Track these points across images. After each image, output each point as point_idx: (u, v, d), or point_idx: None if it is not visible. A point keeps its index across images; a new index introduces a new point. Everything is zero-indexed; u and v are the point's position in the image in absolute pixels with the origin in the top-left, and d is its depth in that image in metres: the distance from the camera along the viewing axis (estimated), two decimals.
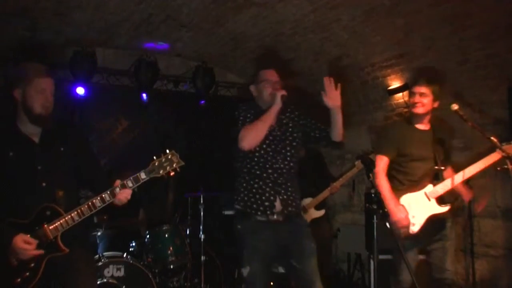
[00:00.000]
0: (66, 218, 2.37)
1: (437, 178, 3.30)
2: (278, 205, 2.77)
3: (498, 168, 3.40)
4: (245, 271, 2.72)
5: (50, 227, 2.35)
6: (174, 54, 5.98)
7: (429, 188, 3.26)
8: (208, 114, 6.19)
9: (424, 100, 3.27)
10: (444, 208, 3.26)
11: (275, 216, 2.76)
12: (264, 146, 2.83)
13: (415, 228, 3.21)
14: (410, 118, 3.43)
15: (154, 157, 2.43)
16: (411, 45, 4.47)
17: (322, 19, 4.41)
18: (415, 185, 3.29)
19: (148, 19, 4.75)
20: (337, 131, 2.89)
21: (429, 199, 3.26)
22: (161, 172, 2.42)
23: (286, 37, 4.93)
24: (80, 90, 5.30)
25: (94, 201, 2.39)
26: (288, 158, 2.87)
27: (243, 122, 2.83)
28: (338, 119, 2.87)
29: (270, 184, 2.79)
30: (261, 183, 2.80)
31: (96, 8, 4.46)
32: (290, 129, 2.94)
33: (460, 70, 4.38)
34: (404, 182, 3.30)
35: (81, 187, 2.73)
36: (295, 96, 2.87)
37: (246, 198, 2.81)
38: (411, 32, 4.28)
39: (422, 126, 3.36)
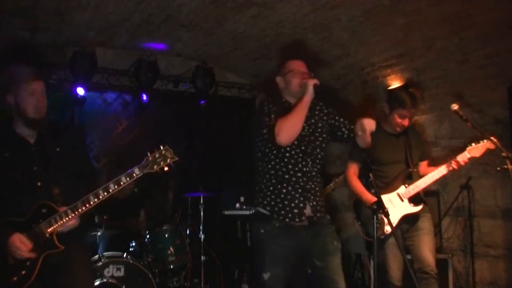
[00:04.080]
0: (62, 214, 2.38)
1: (410, 178, 3.39)
2: (308, 211, 2.63)
3: (498, 168, 3.42)
4: (266, 275, 2.60)
5: (46, 224, 2.37)
6: (174, 54, 5.98)
7: (402, 189, 3.36)
8: (208, 114, 6.18)
9: (405, 121, 3.36)
10: (417, 208, 3.35)
11: (302, 222, 2.63)
12: (294, 146, 2.64)
13: (389, 227, 3.25)
14: (381, 123, 3.51)
15: (148, 153, 2.42)
16: (411, 45, 4.47)
17: (322, 19, 4.42)
18: (388, 187, 3.38)
19: (148, 19, 4.75)
20: (365, 141, 2.68)
21: (402, 200, 3.35)
22: (155, 167, 2.40)
23: (286, 37, 4.92)
24: (80, 90, 5.30)
25: (88, 197, 2.40)
26: (317, 161, 2.71)
27: (275, 117, 2.58)
28: (364, 139, 2.67)
29: (299, 190, 2.63)
30: (290, 188, 2.63)
31: (96, 8, 4.46)
32: (319, 129, 2.75)
33: (460, 70, 4.38)
34: (378, 184, 3.35)
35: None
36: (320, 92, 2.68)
37: (273, 203, 2.64)
38: (411, 32, 4.28)
39: (393, 130, 3.44)
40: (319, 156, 2.72)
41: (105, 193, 2.41)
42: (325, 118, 2.79)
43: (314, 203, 2.66)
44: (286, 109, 2.64)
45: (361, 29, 4.47)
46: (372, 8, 4.08)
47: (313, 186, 2.68)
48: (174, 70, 6.09)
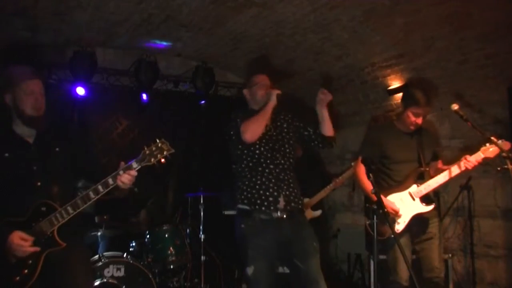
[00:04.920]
0: (62, 212, 2.38)
1: (421, 178, 3.36)
2: (281, 200, 2.82)
3: (498, 168, 3.42)
4: (250, 270, 2.74)
5: (46, 223, 2.37)
6: (174, 54, 5.98)
7: (414, 188, 3.33)
8: (208, 114, 6.18)
9: (419, 120, 3.32)
10: (428, 207, 3.32)
11: (278, 213, 2.81)
12: (263, 144, 2.91)
13: (400, 226, 3.26)
14: (394, 122, 3.49)
15: (145, 147, 2.43)
16: (411, 45, 4.47)
17: (322, 19, 4.41)
18: (400, 185, 3.35)
19: (148, 19, 4.75)
20: (327, 126, 2.98)
21: (413, 199, 3.32)
22: (152, 160, 2.41)
23: (286, 37, 4.92)
24: (80, 90, 5.30)
25: (88, 193, 2.40)
26: (287, 156, 2.96)
27: (241, 120, 2.91)
28: (325, 114, 2.97)
29: (273, 180, 2.85)
30: (264, 179, 2.86)
31: (96, 8, 4.46)
32: (285, 130, 3.05)
33: (460, 70, 4.38)
34: (389, 182, 3.36)
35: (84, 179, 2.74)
36: (285, 101, 2.98)
37: (249, 195, 2.85)
38: (411, 32, 4.28)
39: (406, 128, 3.40)
40: (288, 151, 2.98)
41: (104, 189, 2.41)
42: (290, 121, 3.11)
43: (287, 193, 2.86)
44: (252, 116, 2.92)
45: (361, 29, 4.47)
46: (372, 8, 4.08)
47: (286, 177, 2.90)
48: (174, 70, 6.08)
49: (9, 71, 2.51)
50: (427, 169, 3.39)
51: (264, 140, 2.93)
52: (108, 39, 5.35)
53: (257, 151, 2.91)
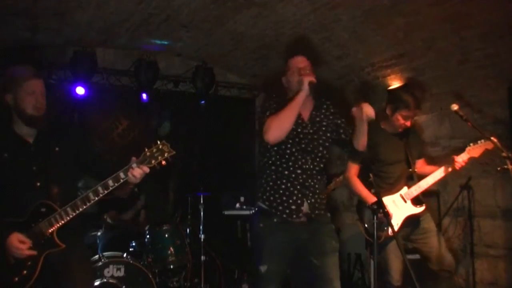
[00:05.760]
0: (61, 213, 2.38)
1: (411, 179, 3.39)
2: (305, 208, 2.65)
3: (498, 168, 3.43)
4: (263, 268, 2.63)
5: (45, 223, 2.37)
6: (174, 54, 5.98)
7: (404, 190, 3.37)
8: (208, 114, 6.19)
9: (408, 122, 3.35)
10: (420, 209, 3.36)
11: (300, 219, 2.65)
12: (295, 143, 2.65)
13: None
14: (381, 123, 3.50)
15: (146, 149, 2.42)
16: (411, 45, 4.46)
17: (322, 19, 4.41)
18: (391, 188, 3.38)
19: (148, 19, 4.76)
20: (361, 141, 2.70)
21: (405, 201, 3.35)
22: (152, 162, 2.39)
23: (286, 37, 4.92)
24: (80, 90, 5.30)
25: (88, 194, 2.40)
26: (318, 159, 2.71)
27: (269, 114, 2.59)
28: (362, 129, 2.65)
29: (298, 187, 2.65)
30: (289, 184, 2.65)
31: (96, 8, 4.46)
32: (323, 128, 2.73)
33: (460, 70, 4.38)
34: (381, 185, 3.37)
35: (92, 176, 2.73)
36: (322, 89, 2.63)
37: (272, 198, 2.68)
38: (411, 32, 4.28)
39: (394, 130, 3.43)
40: (320, 154, 2.71)
41: (104, 190, 2.40)
42: (331, 117, 2.78)
43: (313, 200, 2.67)
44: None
45: (361, 29, 4.47)
46: (372, 8, 4.08)
47: (312, 183, 2.68)
48: (174, 70, 6.09)
49: (11, 70, 2.51)
50: (416, 170, 3.43)
51: (297, 139, 2.64)
52: (108, 39, 5.35)
53: (288, 151, 2.65)
